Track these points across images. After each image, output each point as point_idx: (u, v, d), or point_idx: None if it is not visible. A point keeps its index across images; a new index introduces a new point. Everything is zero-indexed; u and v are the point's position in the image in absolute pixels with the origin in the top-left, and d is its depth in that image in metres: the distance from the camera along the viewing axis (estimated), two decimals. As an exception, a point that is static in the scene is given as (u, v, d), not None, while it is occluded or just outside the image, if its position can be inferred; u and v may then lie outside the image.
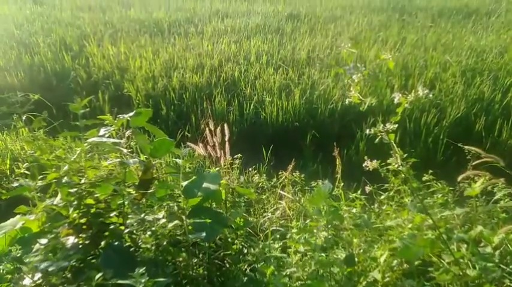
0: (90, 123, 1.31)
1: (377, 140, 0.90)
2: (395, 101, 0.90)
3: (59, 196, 1.28)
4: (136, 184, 1.41)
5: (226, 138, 1.81)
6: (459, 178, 1.30)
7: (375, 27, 6.49)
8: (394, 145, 0.93)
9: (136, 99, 4.16)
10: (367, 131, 0.91)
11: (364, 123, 3.50)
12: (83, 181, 1.24)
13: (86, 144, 1.33)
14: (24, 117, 2.77)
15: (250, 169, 2.64)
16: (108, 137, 1.43)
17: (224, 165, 1.91)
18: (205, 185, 1.28)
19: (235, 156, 2.41)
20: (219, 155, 1.86)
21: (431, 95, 0.86)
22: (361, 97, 0.88)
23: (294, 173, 2.35)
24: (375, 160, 1.16)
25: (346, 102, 0.92)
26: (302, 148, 3.72)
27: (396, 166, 0.93)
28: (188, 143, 1.89)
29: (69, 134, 1.28)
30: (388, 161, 1.12)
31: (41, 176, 1.27)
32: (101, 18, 6.85)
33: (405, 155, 0.96)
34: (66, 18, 6.75)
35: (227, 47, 5.57)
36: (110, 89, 4.31)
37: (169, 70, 4.74)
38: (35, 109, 3.31)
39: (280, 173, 2.44)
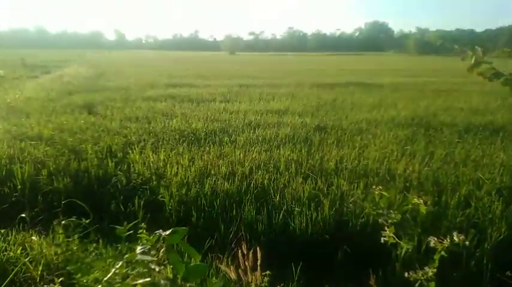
0: (131, 246, 1.38)
1: (417, 285, 0.88)
2: (431, 244, 0.91)
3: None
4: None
5: (259, 263, 1.79)
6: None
7: (401, 141, 6.68)
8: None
9: (169, 205, 4.29)
10: (406, 275, 0.90)
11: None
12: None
13: (121, 264, 1.37)
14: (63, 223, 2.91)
15: (278, 287, 2.51)
16: (143, 253, 1.48)
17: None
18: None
19: (264, 273, 2.33)
20: (250, 280, 1.82)
21: (467, 243, 0.86)
22: (395, 238, 0.90)
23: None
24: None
25: (381, 241, 0.93)
26: (333, 263, 3.53)
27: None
28: (220, 266, 1.88)
29: (111, 257, 1.34)
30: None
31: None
32: (146, 128, 7.56)
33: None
34: (115, 128, 7.50)
35: (258, 156, 5.82)
36: (145, 194, 4.51)
37: (203, 177, 4.95)
38: (74, 212, 3.48)
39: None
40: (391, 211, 0.91)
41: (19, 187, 4.70)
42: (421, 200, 1.01)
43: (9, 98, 11.40)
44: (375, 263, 3.00)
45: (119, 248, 1.37)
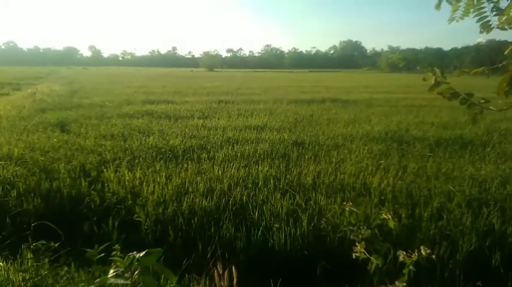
0: (103, 270, 1.34)
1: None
2: (400, 259, 0.94)
3: None
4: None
5: (234, 282, 1.78)
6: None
7: (376, 156, 6.85)
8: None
9: (145, 225, 4.18)
10: (376, 289, 0.92)
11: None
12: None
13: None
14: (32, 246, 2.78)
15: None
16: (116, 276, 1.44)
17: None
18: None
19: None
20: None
21: (433, 256, 0.90)
22: (366, 253, 0.92)
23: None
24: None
25: (353, 257, 0.96)
26: (312, 279, 3.53)
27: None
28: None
29: (83, 281, 1.30)
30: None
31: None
32: (121, 145, 7.39)
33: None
34: (89, 146, 7.29)
35: (236, 172, 5.81)
36: (120, 213, 4.39)
37: (180, 195, 4.88)
38: (44, 235, 3.33)
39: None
40: (361, 227, 0.94)
41: (-15, 209, 4.47)
42: (389, 215, 1.05)
43: (-24, 116, 10.92)
44: (353, 278, 3.02)
45: (92, 271, 1.32)
